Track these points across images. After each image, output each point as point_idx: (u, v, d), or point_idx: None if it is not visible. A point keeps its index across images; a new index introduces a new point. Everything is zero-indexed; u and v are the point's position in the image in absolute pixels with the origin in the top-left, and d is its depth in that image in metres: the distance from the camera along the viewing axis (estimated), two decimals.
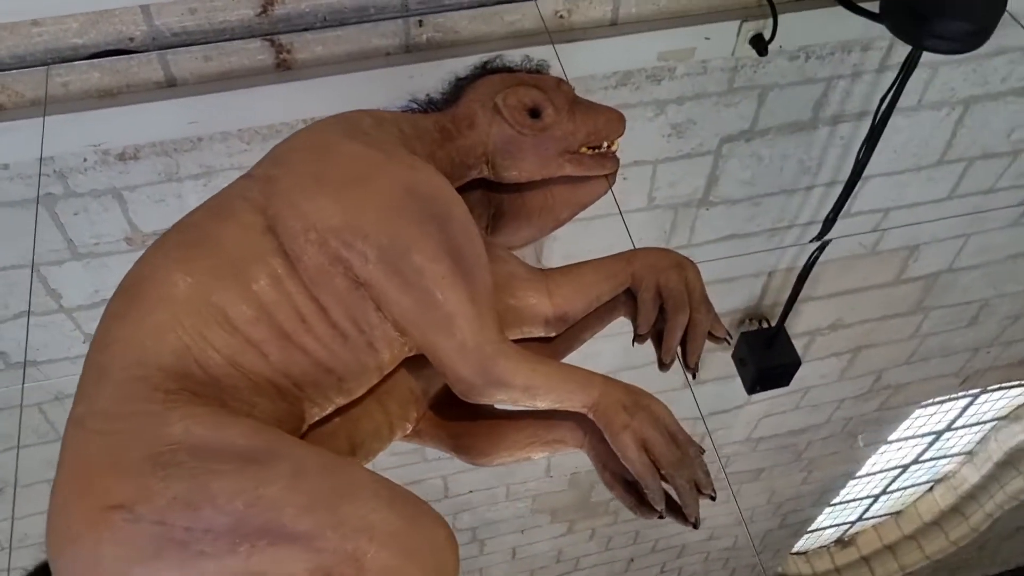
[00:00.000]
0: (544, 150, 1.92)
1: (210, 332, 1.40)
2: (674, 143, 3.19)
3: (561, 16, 2.63)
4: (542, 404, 1.59)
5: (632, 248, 1.87)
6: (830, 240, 3.61)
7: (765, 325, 4.27)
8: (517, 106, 1.88)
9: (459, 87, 1.99)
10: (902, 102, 3.22)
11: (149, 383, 1.32)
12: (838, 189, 3.41)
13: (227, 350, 1.41)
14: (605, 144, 2.02)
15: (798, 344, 4.69)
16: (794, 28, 2.76)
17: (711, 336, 1.78)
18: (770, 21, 2.68)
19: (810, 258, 3.76)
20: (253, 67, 2.53)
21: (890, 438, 6.68)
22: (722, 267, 3.95)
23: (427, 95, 1.99)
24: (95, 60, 2.37)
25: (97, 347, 1.40)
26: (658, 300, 1.79)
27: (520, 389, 1.56)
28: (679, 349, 1.76)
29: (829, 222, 3.40)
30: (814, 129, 3.29)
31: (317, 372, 1.52)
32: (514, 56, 2.06)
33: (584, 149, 1.98)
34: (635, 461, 1.50)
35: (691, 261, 1.82)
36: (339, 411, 1.66)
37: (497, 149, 1.90)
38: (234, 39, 2.44)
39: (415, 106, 1.95)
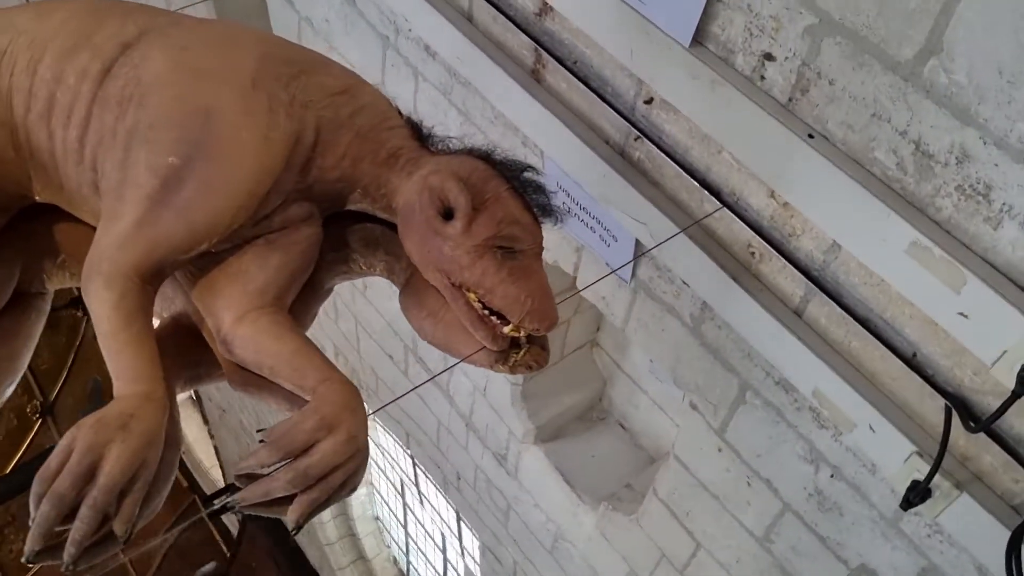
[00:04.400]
0: (427, 249, 1.65)
1: (20, 58, 1.59)
2: (813, 507, 2.40)
3: (752, 252, 2.11)
4: (102, 344, 1.49)
5: (350, 385, 1.54)
6: None
7: None
8: (436, 190, 1.62)
9: (461, 149, 1.77)
10: None
11: None
12: None
13: (14, 80, 1.59)
14: (508, 319, 1.65)
15: None
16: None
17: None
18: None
19: None
20: (516, 57, 2.53)
21: None
22: None
23: (434, 129, 1.80)
24: None
25: None
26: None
27: (94, 316, 1.47)
28: None
29: None
30: None
31: (46, 160, 1.63)
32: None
33: (471, 295, 1.64)
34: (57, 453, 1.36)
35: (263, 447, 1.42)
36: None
37: (400, 209, 1.70)
38: (513, 21, 2.45)
39: (412, 122, 1.79)
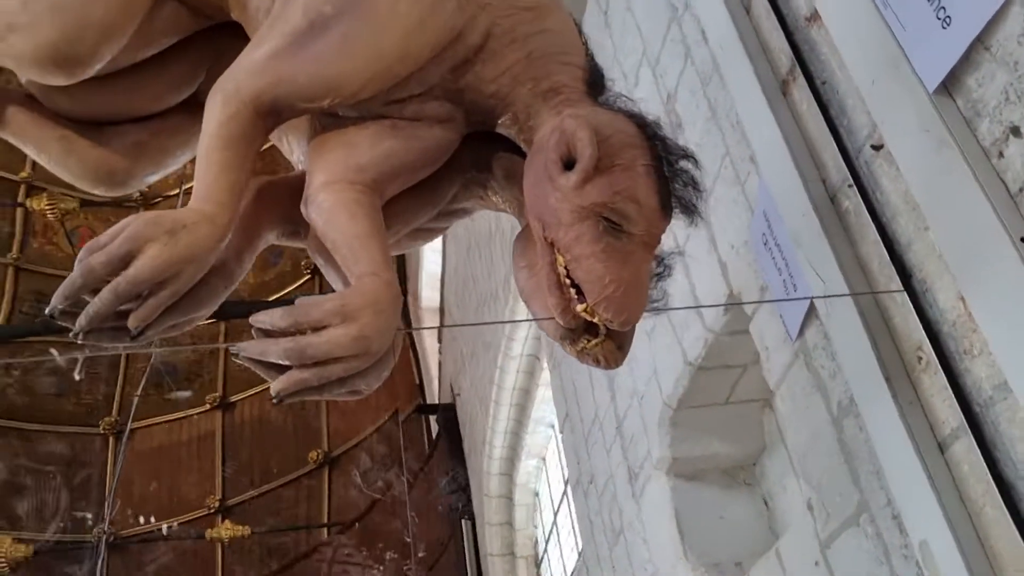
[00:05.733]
0: (535, 192, 1.53)
1: None
2: None
3: (920, 357, 1.74)
4: (197, 155, 1.54)
5: (392, 288, 1.47)
6: None
7: None
8: (567, 134, 1.47)
9: (625, 110, 1.61)
10: None
11: None
12: None
13: None
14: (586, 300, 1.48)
15: None
16: None
17: None
18: None
19: None
20: (773, 61, 2.29)
21: None
22: None
23: (605, 82, 1.67)
24: None
25: None
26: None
27: (203, 128, 1.52)
28: None
29: None
30: None
31: None
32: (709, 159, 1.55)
33: (559, 258, 1.50)
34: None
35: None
36: None
37: (533, 141, 1.60)
38: (784, 22, 2.20)
39: (593, 67, 1.66)
